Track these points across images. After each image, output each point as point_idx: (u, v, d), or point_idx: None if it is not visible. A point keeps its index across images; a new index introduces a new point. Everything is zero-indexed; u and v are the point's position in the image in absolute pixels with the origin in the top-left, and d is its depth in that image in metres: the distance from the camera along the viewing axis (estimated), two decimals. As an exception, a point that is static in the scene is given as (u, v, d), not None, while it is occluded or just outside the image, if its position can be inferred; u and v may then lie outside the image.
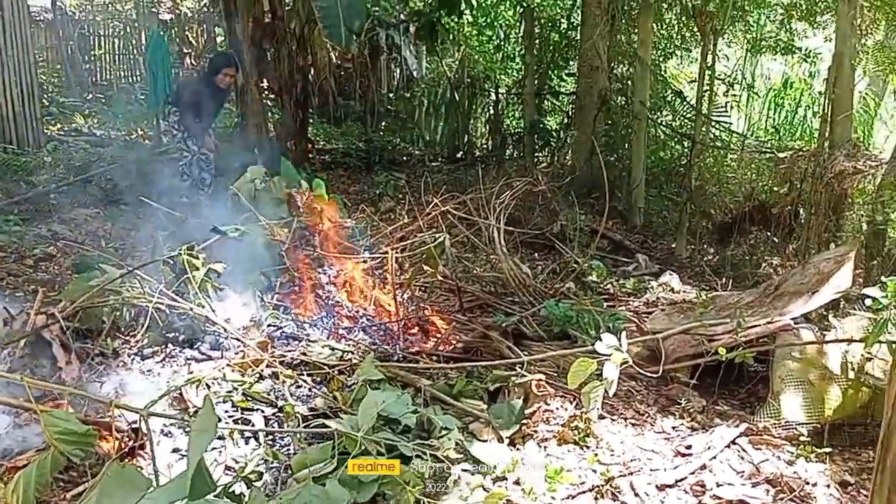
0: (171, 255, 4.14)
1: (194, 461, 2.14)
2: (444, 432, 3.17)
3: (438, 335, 4.66)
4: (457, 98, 12.61)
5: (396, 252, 5.48)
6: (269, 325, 4.21)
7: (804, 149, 6.91)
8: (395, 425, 3.16)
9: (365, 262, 5.04)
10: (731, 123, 9.64)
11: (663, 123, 9.43)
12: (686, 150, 8.62)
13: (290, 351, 3.85)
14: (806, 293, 4.15)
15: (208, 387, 3.35)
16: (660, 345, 3.83)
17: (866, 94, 11.90)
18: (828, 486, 2.89)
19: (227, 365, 3.57)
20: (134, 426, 2.83)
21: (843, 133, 6.11)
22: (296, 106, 9.67)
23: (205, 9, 14.85)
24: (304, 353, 3.81)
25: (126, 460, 2.72)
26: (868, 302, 3.55)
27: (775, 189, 6.71)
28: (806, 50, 10.73)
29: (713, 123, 8.77)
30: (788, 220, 6.27)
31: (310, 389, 3.43)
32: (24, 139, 8.65)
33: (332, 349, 4.00)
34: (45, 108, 10.53)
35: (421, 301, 5.25)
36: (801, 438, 3.26)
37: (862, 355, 3.58)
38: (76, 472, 2.67)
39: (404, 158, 12.06)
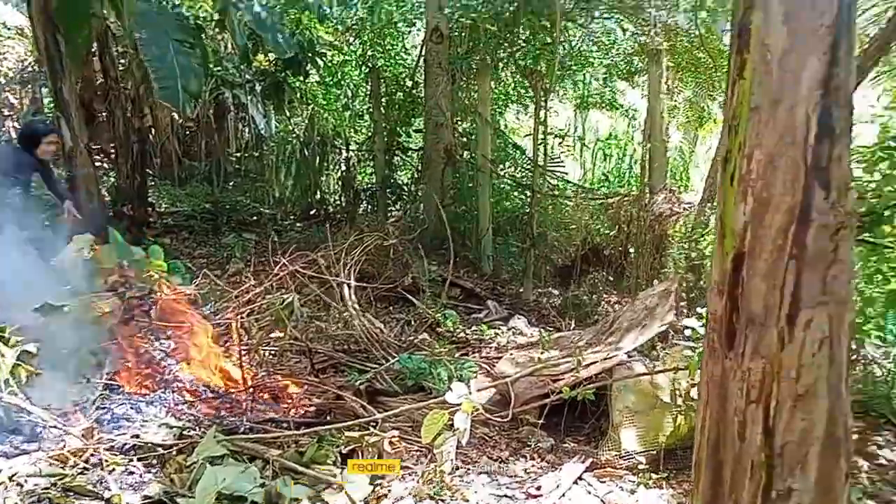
0: (-25, 338, 3.69)
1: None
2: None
3: (289, 401, 4.49)
4: (307, 156, 12.55)
5: (243, 316, 5.28)
6: (96, 408, 3.84)
7: (629, 194, 7.55)
8: (241, 503, 2.97)
9: (208, 330, 4.78)
10: (566, 173, 10.34)
11: (506, 175, 9.93)
12: (527, 199, 9.11)
13: (120, 434, 3.52)
14: (636, 328, 4.46)
15: (20, 486, 2.98)
16: (509, 388, 3.94)
17: (681, 143, 13.31)
18: (665, 509, 3.07)
19: (46, 458, 3.19)
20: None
21: (660, 179, 6.76)
22: (133, 169, 9.13)
23: (29, 69, 13.79)
24: (137, 436, 3.50)
25: None
26: (688, 332, 3.88)
27: (607, 232, 7.24)
28: (626, 106, 11.85)
29: (550, 173, 9.36)
30: (620, 260, 6.78)
31: (141, 476, 3.14)
32: None
33: (171, 427, 3.72)
34: None
35: (270, 366, 5.05)
36: (640, 467, 3.45)
37: (688, 382, 3.88)
38: None
39: (254, 218, 11.71)
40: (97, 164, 9.30)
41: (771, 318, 1.60)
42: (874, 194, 4.13)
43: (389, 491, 3.24)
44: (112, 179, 10.55)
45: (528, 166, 9.41)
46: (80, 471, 3.12)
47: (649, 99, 7.48)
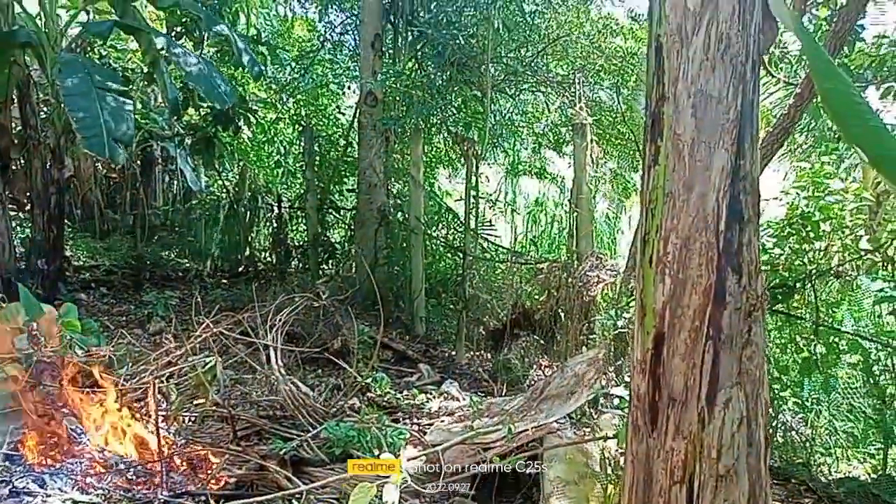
0: None
1: None
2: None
3: (209, 471, 4.27)
4: (238, 211, 12.35)
5: (162, 380, 5.05)
6: (-7, 483, 3.55)
7: (557, 260, 7.75)
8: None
9: (122, 394, 4.54)
10: (498, 237, 10.56)
11: (438, 237, 10.05)
12: (460, 261, 9.21)
13: (19, 512, 3.25)
14: (566, 395, 4.51)
15: None
16: (440, 457, 3.88)
17: (607, 211, 13.85)
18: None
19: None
20: None
21: (587, 246, 6.98)
22: (49, 221, 8.72)
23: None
24: (38, 514, 3.24)
25: None
26: (616, 401, 3.94)
27: (537, 296, 7.37)
28: (554, 174, 12.30)
29: (481, 237, 9.53)
30: (550, 325, 6.88)
31: (40, 559, 2.89)
32: None
33: (76, 503, 3.46)
34: None
35: (190, 433, 4.80)
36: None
37: (618, 451, 3.92)
38: None
39: (179, 274, 11.35)
40: (10, 214, 8.86)
41: (692, 397, 1.66)
42: (785, 267, 4.39)
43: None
44: (27, 231, 10.04)
45: (461, 229, 9.55)
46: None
47: (575, 169, 7.79)
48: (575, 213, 7.07)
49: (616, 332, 5.13)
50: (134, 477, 4.03)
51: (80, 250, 11.75)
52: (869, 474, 4.77)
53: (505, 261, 8.88)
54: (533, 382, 6.22)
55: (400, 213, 9.99)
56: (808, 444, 4.85)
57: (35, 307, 4.73)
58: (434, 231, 10.05)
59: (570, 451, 3.99)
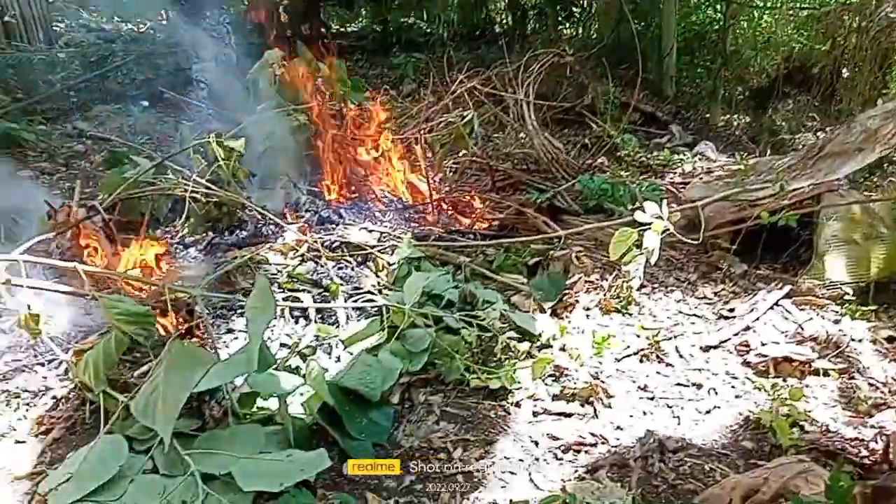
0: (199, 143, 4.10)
1: (256, 337, 2.20)
2: (486, 305, 3.22)
3: (473, 215, 4.65)
4: (472, -28, 11.90)
5: (424, 133, 5.39)
6: (305, 211, 4.23)
7: (849, 2, 6.45)
8: (439, 300, 3.20)
9: (394, 143, 4.95)
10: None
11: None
12: (721, 13, 8.11)
13: (328, 234, 3.87)
14: (852, 152, 4.00)
15: (252, 270, 3.41)
16: (700, 212, 3.78)
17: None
18: (873, 342, 2.91)
19: (270, 248, 3.61)
20: (189, 308, 2.91)
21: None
22: (305, -12, 9.18)
23: None
24: (343, 237, 3.82)
25: (185, 339, 2.81)
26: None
27: (816, 47, 6.34)
28: None
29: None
30: (830, 80, 5.98)
31: (352, 269, 3.47)
32: (34, 37, 8.44)
33: (370, 231, 4.01)
34: (50, 5, 10.19)
35: (452, 182, 5.19)
36: (846, 297, 3.25)
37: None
38: (139, 353, 2.78)
39: (422, 39, 11.57)
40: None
41: None
42: None
43: (577, 301, 3.33)
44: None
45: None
46: (298, 262, 3.50)
47: None
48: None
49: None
50: (411, 214, 4.54)
51: (332, 19, 12.38)
52: None
53: (779, 6, 7.61)
54: (803, 146, 5.61)
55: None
56: None
57: (313, 64, 5.17)
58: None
59: (851, 210, 3.64)
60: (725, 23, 7.69)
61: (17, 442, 2.35)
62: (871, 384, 2.58)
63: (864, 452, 2.05)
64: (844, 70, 6.14)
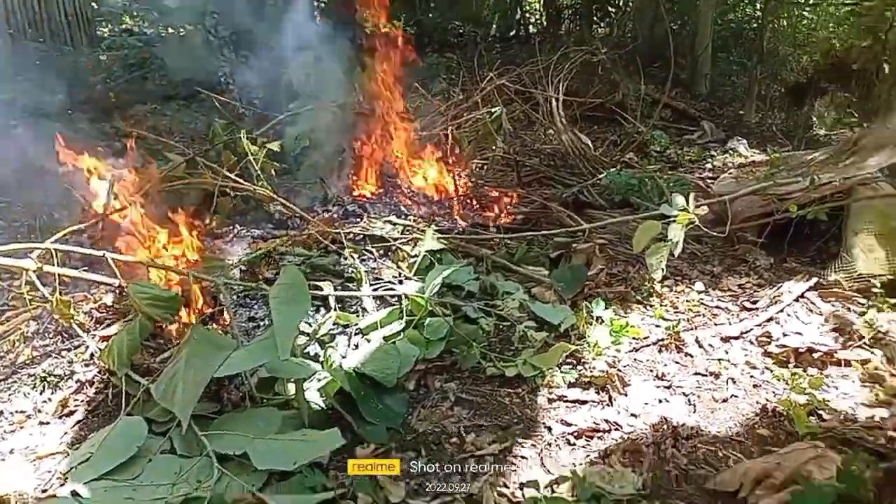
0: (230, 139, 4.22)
1: (284, 327, 2.25)
2: (506, 295, 3.24)
3: (497, 209, 4.66)
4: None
5: (454, 129, 5.41)
6: (333, 204, 4.30)
7: (895, -5, 6.26)
8: (459, 291, 3.23)
9: (419, 140, 4.99)
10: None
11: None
12: (758, 10, 7.96)
13: (353, 226, 3.92)
14: (887, 147, 3.90)
15: (275, 261, 3.47)
16: (727, 206, 3.72)
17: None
18: (901, 334, 2.83)
19: (294, 239, 3.68)
20: (212, 295, 2.99)
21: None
22: (346, -10, 9.30)
23: None
24: (367, 229, 3.88)
25: (208, 325, 2.89)
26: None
27: (857, 43, 6.17)
28: None
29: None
30: (871, 76, 5.82)
31: (374, 260, 3.51)
32: (78, 40, 8.75)
33: (394, 224, 4.06)
34: (94, 11, 10.53)
35: (479, 177, 5.21)
36: (874, 290, 3.17)
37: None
38: (162, 339, 2.86)
39: (455, 40, 11.63)
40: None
41: None
42: None
43: (597, 293, 3.32)
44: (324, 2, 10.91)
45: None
46: (321, 253, 3.56)
47: None
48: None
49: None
50: (436, 209, 4.57)
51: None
52: None
53: (819, 3, 7.42)
54: (838, 141, 5.47)
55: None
56: None
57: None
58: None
59: (883, 205, 3.54)
60: (764, 20, 7.55)
61: (42, 423, 2.44)
62: (893, 374, 2.52)
63: (882, 440, 2.00)
64: (886, 66, 5.97)
